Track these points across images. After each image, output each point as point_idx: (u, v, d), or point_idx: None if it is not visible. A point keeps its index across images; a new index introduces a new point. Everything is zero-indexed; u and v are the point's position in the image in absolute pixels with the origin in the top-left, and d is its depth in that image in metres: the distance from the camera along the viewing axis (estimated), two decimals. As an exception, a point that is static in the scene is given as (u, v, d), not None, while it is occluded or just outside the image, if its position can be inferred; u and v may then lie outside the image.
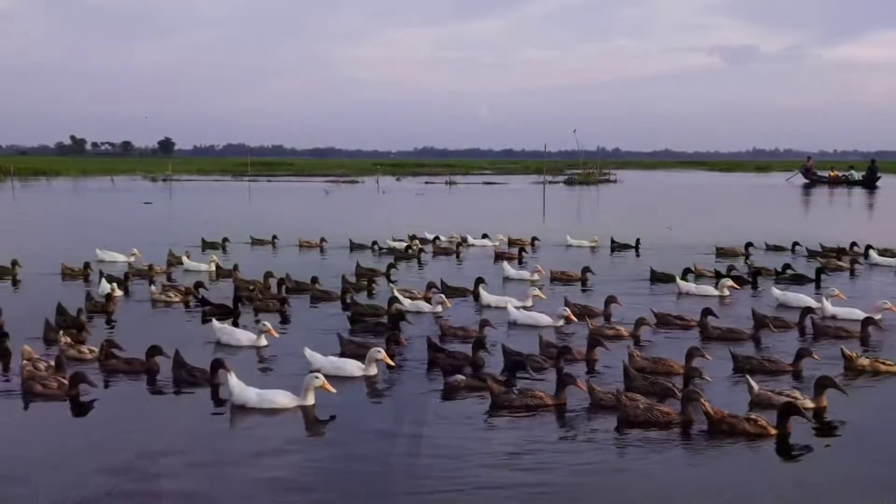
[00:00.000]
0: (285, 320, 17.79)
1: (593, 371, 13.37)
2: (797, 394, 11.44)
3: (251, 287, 20.67)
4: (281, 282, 20.57)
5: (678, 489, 8.87)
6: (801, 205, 64.16)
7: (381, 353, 12.99)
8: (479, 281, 20.40)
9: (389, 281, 22.65)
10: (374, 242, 30.10)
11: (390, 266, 23.92)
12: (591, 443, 10.22)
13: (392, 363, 13.14)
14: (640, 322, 15.77)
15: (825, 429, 10.70)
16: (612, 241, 30.57)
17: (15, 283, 23.36)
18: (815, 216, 53.14)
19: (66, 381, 11.93)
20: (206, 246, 30.58)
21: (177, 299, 19.83)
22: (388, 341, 14.14)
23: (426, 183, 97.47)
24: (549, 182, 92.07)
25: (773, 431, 10.27)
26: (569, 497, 8.68)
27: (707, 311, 16.15)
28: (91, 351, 14.00)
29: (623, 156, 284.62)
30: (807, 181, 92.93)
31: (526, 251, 28.54)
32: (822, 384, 11.39)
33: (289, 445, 10.15)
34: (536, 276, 23.13)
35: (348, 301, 19.24)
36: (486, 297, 19.47)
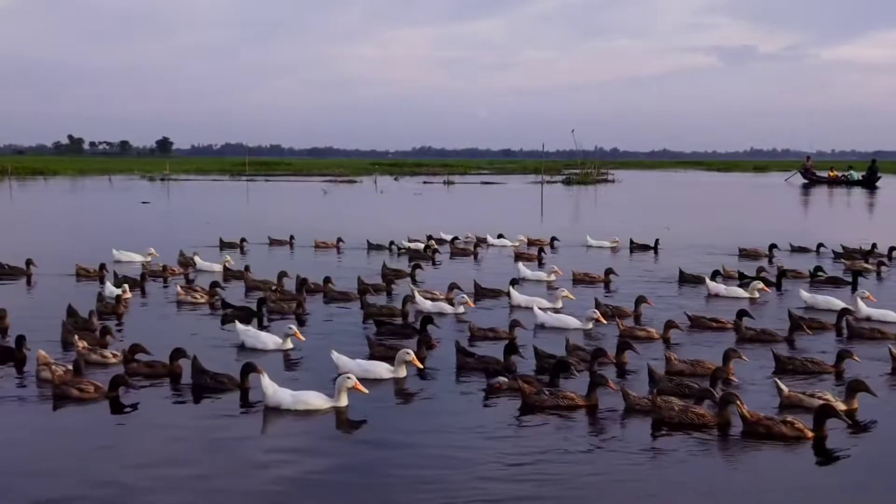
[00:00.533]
0: (302, 322, 17.54)
1: (624, 374, 13.26)
2: (828, 395, 11.34)
3: (273, 288, 20.53)
4: (303, 282, 20.25)
5: (717, 492, 8.80)
6: (804, 205, 64.12)
7: (411, 355, 12.90)
8: (514, 282, 20.41)
9: (414, 282, 22.42)
10: (392, 243, 29.87)
11: (415, 267, 23.79)
12: (623, 443, 10.15)
13: (421, 365, 13.10)
14: (669, 324, 15.61)
15: (859, 431, 10.59)
16: (631, 242, 30.42)
17: (29, 283, 23.16)
18: (819, 216, 53.03)
19: (102, 386, 11.84)
20: (224, 246, 30.32)
21: (202, 300, 19.57)
22: (420, 344, 14.01)
23: (424, 183, 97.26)
24: (547, 182, 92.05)
25: (811, 434, 10.18)
26: (604, 500, 8.61)
27: (742, 313, 16.05)
28: (115, 355, 13.80)
29: (621, 156, 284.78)
30: (806, 181, 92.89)
31: (545, 252, 28.31)
32: (854, 387, 11.31)
33: (322, 446, 10.09)
34: (553, 277, 22.96)
35: (362, 302, 19.06)
36: (515, 297, 19.28)
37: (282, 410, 11.24)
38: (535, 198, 66.09)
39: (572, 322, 16.66)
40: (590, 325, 16.52)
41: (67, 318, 16.29)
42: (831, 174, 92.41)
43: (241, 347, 14.96)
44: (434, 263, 26.90)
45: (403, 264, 25.39)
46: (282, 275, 21.68)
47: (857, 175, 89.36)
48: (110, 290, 19.89)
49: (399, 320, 17.46)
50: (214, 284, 20.37)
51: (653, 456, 9.76)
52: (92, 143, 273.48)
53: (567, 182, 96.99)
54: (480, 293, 20.37)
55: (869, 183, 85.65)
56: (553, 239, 31.64)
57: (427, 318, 15.47)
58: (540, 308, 17.63)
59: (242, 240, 30.84)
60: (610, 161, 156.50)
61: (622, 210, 54.45)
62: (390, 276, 22.73)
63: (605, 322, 16.35)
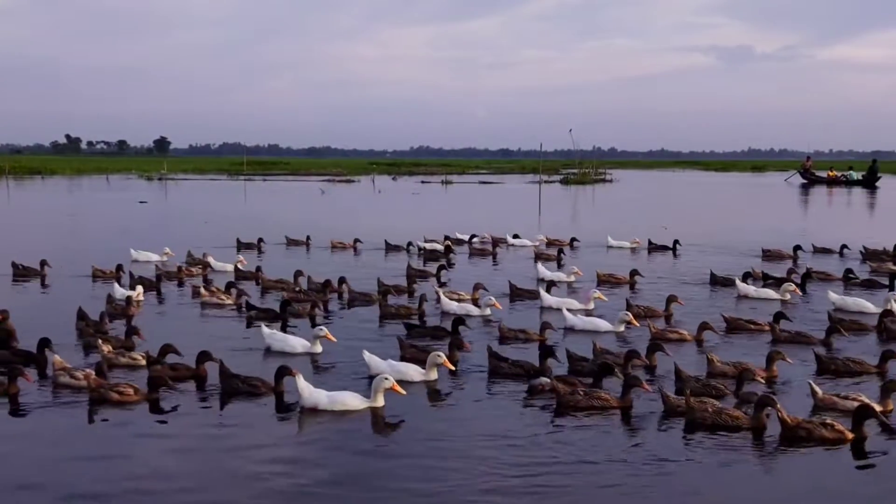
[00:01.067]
0: (315, 324, 17.01)
1: (654, 376, 13.11)
2: (863, 397, 11.19)
3: (296, 289, 20.27)
4: (326, 283, 20.12)
5: (757, 497, 8.69)
6: (808, 205, 64.06)
7: (442, 358, 12.76)
8: (551, 284, 20.33)
9: (439, 283, 22.17)
10: (410, 243, 29.59)
11: (440, 268, 23.55)
12: (659, 445, 10.04)
13: (453, 368, 12.96)
14: (704, 326, 15.42)
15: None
16: (650, 243, 30.20)
17: (43, 284, 22.82)
18: (825, 216, 52.84)
19: (140, 388, 11.72)
20: (242, 246, 30.00)
21: (229, 301, 19.19)
22: (452, 346, 13.82)
23: (422, 182, 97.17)
24: (545, 181, 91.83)
25: (851, 436, 10.07)
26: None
27: (779, 315, 15.90)
28: (144, 357, 13.54)
29: (619, 155, 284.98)
30: (805, 181, 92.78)
31: (564, 253, 27.97)
32: (890, 388, 11.24)
33: (358, 446, 10.03)
34: (573, 278, 22.65)
35: (380, 302, 18.85)
36: (546, 299, 19.02)
37: (318, 411, 11.17)
38: (533, 197, 65.82)
39: (603, 325, 16.40)
40: (621, 328, 16.24)
41: (78, 321, 16.05)
42: (831, 174, 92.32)
43: (267, 351, 14.67)
44: (449, 264, 26.50)
45: (428, 265, 25.21)
46: (297, 274, 21.51)
47: (856, 175, 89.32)
48: (120, 291, 19.56)
49: (416, 320, 17.36)
50: (230, 285, 20.15)
51: (686, 460, 9.60)
52: (89, 143, 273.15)
53: (565, 182, 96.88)
54: (516, 293, 20.20)
55: (869, 183, 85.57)
56: (573, 239, 31.35)
57: (458, 320, 15.27)
58: (570, 310, 17.41)
59: (260, 240, 30.47)
60: (608, 161, 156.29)
61: (620, 210, 54.40)
62: (416, 276, 22.54)
63: (637, 325, 16.05)
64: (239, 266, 24.14)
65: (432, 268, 24.25)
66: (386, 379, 11.33)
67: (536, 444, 10.03)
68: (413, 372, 12.72)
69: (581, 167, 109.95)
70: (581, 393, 11.40)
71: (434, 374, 12.71)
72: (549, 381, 11.94)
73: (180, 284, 22.34)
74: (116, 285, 20.23)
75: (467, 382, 12.78)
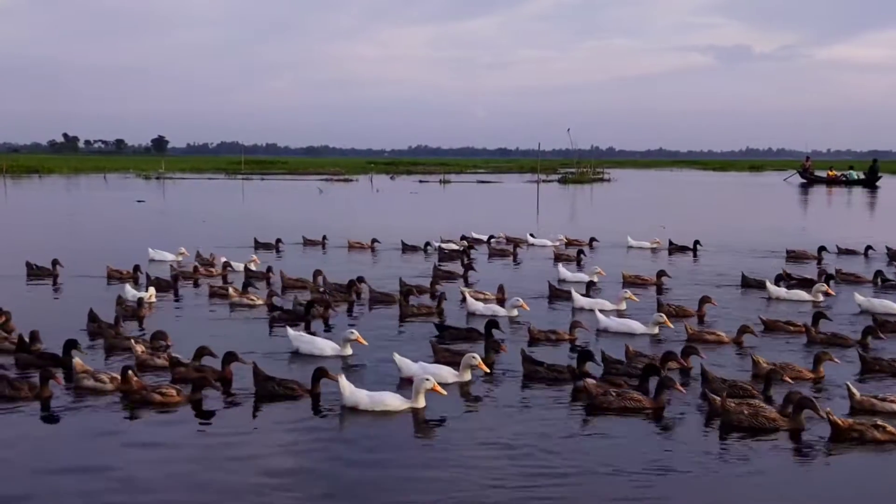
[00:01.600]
0: (329, 326, 16.94)
1: (689, 378, 12.97)
2: None
3: (321, 290, 20.02)
4: (351, 284, 19.87)
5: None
6: (812, 205, 64.12)
7: (477, 360, 12.61)
8: (591, 284, 20.35)
9: (466, 283, 21.96)
10: (427, 244, 29.32)
11: (467, 268, 23.30)
12: (694, 448, 9.93)
13: (488, 370, 12.77)
14: (744, 329, 15.18)
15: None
16: (671, 243, 29.89)
17: (55, 284, 22.50)
18: (833, 216, 52.88)
19: (181, 389, 11.64)
20: (259, 246, 29.71)
21: (259, 302, 18.77)
22: (488, 348, 13.65)
23: (420, 182, 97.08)
24: (543, 181, 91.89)
25: None
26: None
27: (819, 315, 15.82)
28: (179, 359, 13.27)
29: (617, 155, 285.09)
30: (804, 181, 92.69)
31: (584, 253, 27.64)
32: None
33: (399, 447, 10.04)
34: (596, 278, 22.29)
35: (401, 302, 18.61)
36: (578, 300, 18.80)
37: (358, 411, 11.13)
38: (532, 197, 65.64)
39: (637, 326, 16.13)
40: (655, 330, 15.97)
41: (90, 323, 15.82)
42: (830, 174, 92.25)
43: (295, 354, 14.38)
44: (469, 266, 25.66)
45: (454, 265, 25.04)
46: (317, 274, 21.38)
47: (857, 174, 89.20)
48: (131, 293, 19.21)
49: (436, 319, 17.32)
50: (247, 286, 19.95)
51: (725, 461, 9.48)
52: (87, 142, 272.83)
53: (563, 181, 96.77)
54: (555, 294, 20.04)
55: (870, 182, 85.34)
56: (592, 239, 30.99)
57: (492, 322, 15.01)
58: (602, 310, 17.22)
59: (278, 240, 30.14)
60: (606, 160, 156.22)
61: (620, 209, 54.42)
62: (442, 277, 22.37)
63: (671, 326, 15.80)
64: (252, 266, 23.77)
65: (458, 268, 24.03)
66: (427, 380, 11.26)
67: (574, 449, 9.86)
68: (446, 374, 12.54)
69: (579, 167, 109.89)
70: (614, 394, 11.29)
71: (467, 376, 12.55)
72: (593, 381, 11.78)
73: (196, 285, 22.03)
74: (127, 286, 19.82)
75: (500, 385, 12.61)
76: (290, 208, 53.24)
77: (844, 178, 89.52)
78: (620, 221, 40.15)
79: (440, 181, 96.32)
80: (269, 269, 22.90)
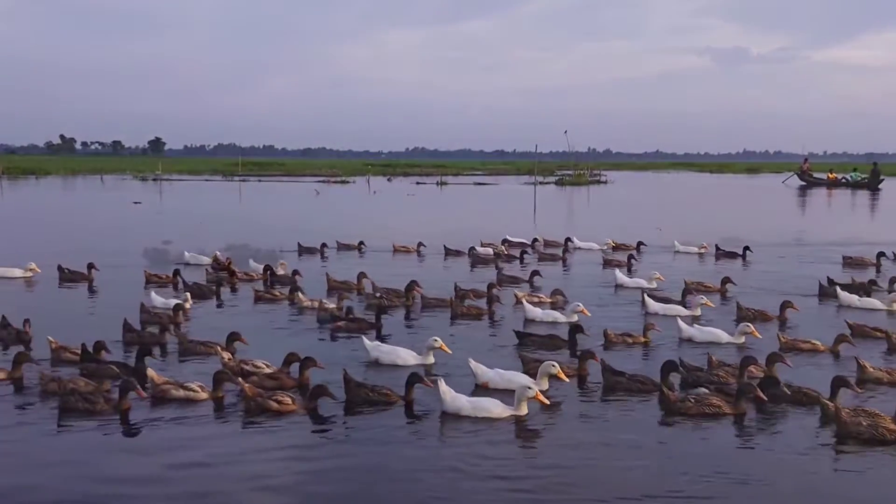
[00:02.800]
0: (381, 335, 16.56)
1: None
2: None
3: (378, 295, 19.66)
4: (410, 287, 19.57)
5: None
6: (818, 207, 63.99)
7: (556, 368, 12.39)
8: (688, 292, 19.95)
9: (532, 288, 21.65)
10: (472, 248, 29.10)
11: (533, 273, 22.93)
12: (805, 454, 9.92)
13: (567, 378, 12.51)
14: (840, 338, 14.91)
15: None
16: (717, 248, 29.68)
17: (91, 290, 22.22)
18: (847, 218, 52.19)
19: (298, 397, 11.54)
20: (303, 251, 29.58)
21: (332, 306, 18.28)
22: (583, 357, 13.39)
23: (417, 183, 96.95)
24: (540, 183, 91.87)
25: None
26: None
27: None
28: (267, 365, 13.13)
29: (614, 157, 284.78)
30: (803, 183, 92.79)
31: (635, 258, 27.34)
32: None
33: (507, 451, 10.04)
34: (654, 284, 21.95)
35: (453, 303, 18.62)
36: (651, 305, 18.59)
37: (459, 417, 11.07)
38: (529, 199, 65.71)
39: (723, 336, 15.71)
40: (742, 339, 15.54)
41: (126, 333, 15.43)
42: (831, 176, 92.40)
43: (374, 364, 14.02)
44: (497, 268, 25.39)
45: (515, 269, 24.94)
46: (361, 276, 21.35)
47: (860, 177, 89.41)
48: (159, 300, 18.85)
49: (486, 320, 17.58)
50: (294, 290, 19.74)
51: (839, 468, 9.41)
52: (84, 143, 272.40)
53: (560, 183, 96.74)
54: (658, 299, 19.42)
55: (873, 185, 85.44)
56: (640, 244, 30.52)
57: (576, 327, 14.94)
58: (678, 317, 16.99)
59: (323, 245, 29.95)
60: (603, 162, 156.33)
61: (617, 211, 54.38)
62: (507, 282, 22.21)
63: (758, 336, 15.37)
64: (279, 270, 23.52)
65: (524, 274, 23.74)
66: (529, 388, 11.21)
67: (674, 457, 9.86)
68: (524, 381, 12.27)
69: (576, 168, 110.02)
70: (692, 399, 11.27)
71: (545, 385, 12.25)
72: (706, 391, 11.71)
73: (233, 290, 21.80)
74: (153, 293, 19.45)
75: (579, 394, 12.48)
76: (290, 210, 53.06)
77: (846, 181, 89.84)
78: (625, 223, 40.15)
79: (437, 183, 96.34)
80: (296, 272, 22.40)
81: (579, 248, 30.99)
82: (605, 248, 30.76)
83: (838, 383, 11.57)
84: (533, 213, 51.67)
